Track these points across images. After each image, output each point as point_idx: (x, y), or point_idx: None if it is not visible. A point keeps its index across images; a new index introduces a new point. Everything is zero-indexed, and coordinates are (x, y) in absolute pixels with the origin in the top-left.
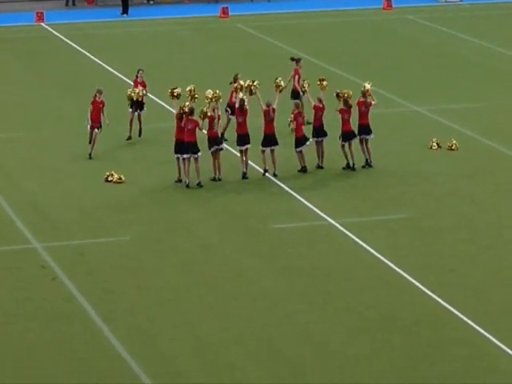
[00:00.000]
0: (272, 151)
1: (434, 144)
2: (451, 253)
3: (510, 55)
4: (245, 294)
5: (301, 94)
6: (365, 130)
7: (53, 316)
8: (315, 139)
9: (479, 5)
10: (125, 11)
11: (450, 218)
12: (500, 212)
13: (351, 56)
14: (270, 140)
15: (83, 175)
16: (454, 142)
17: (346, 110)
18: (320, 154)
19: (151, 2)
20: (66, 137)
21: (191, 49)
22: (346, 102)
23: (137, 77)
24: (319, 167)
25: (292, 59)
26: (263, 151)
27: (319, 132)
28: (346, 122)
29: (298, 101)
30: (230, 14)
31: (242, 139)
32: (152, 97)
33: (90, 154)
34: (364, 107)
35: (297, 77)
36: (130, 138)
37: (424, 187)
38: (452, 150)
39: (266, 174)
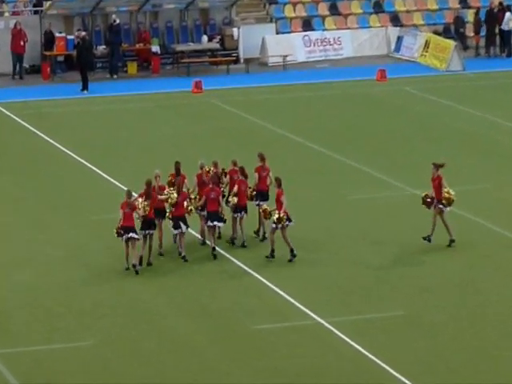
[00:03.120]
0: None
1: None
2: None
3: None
4: None
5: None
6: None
7: None
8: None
9: (483, 74)
10: (85, 87)
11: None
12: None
13: (338, 133)
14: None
15: (42, 264)
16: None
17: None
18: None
19: (115, 77)
20: (25, 224)
21: (160, 127)
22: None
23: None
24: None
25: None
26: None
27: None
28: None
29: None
30: (203, 88)
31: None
32: (114, 182)
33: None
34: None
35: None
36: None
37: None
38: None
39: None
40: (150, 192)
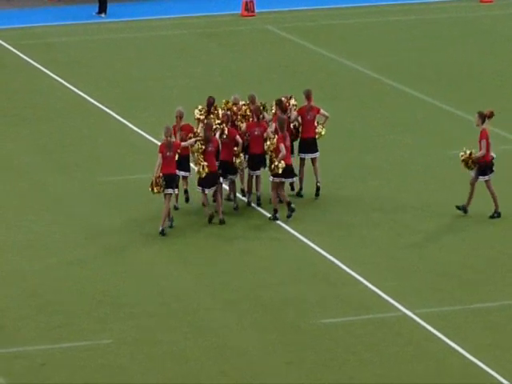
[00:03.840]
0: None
1: None
2: None
3: None
4: None
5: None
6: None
7: None
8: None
9: None
10: (102, 10)
11: None
12: None
13: (428, 71)
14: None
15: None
16: None
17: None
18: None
19: None
20: (27, 191)
21: (200, 63)
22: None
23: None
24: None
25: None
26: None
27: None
28: None
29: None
30: (256, 10)
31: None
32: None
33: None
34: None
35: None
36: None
37: None
38: None
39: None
40: (208, 135)
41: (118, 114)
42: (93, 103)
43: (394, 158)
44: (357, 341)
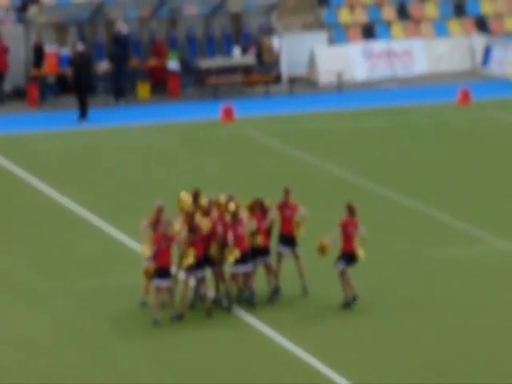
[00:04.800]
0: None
1: None
2: None
3: None
4: None
5: None
6: None
7: None
8: None
9: None
10: (83, 115)
11: None
12: None
13: (410, 173)
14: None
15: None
16: None
17: None
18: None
19: (122, 102)
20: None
21: (179, 168)
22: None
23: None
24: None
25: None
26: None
27: None
28: None
29: None
30: (235, 116)
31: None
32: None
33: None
34: None
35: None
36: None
37: None
38: None
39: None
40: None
41: (100, 218)
42: (75, 210)
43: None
44: None
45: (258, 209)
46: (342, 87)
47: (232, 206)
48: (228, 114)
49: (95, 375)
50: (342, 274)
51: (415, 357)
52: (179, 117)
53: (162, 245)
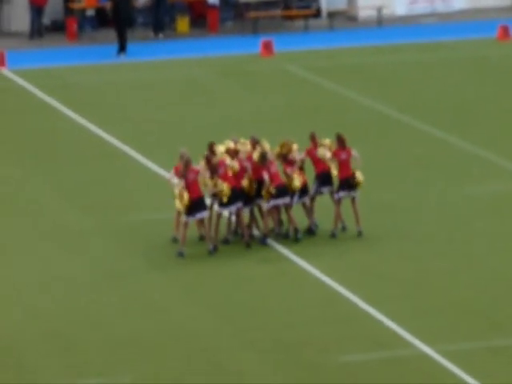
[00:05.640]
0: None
1: None
2: None
3: None
4: None
5: None
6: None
7: None
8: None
9: None
10: (122, 49)
11: None
12: None
13: (448, 109)
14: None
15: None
16: None
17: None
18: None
19: (160, 36)
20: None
21: (218, 102)
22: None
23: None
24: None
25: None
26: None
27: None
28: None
29: None
30: (274, 50)
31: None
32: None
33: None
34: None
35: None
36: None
37: None
38: None
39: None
40: (214, 165)
41: (140, 154)
42: (115, 144)
43: (413, 194)
44: (377, 378)
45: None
46: (381, 22)
47: (260, 149)
48: (267, 48)
49: (132, 311)
50: (339, 202)
51: (448, 295)
52: (218, 51)
53: (190, 177)
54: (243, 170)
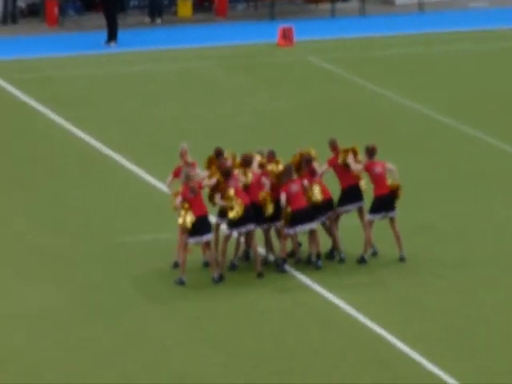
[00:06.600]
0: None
1: None
2: None
3: None
4: None
5: None
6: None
7: None
8: None
9: None
10: (112, 37)
11: None
12: None
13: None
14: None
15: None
16: None
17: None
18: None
19: (158, 21)
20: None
21: (226, 99)
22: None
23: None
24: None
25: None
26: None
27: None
28: None
29: None
30: (294, 38)
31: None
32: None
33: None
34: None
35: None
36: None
37: None
38: None
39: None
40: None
41: (129, 161)
42: (98, 149)
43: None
44: None
45: (305, 165)
46: (423, 6)
47: (278, 167)
48: (286, 36)
49: (124, 351)
50: (370, 224)
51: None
52: (227, 40)
53: (190, 195)
54: (259, 185)
